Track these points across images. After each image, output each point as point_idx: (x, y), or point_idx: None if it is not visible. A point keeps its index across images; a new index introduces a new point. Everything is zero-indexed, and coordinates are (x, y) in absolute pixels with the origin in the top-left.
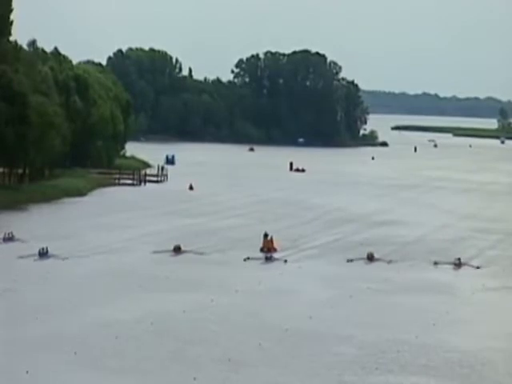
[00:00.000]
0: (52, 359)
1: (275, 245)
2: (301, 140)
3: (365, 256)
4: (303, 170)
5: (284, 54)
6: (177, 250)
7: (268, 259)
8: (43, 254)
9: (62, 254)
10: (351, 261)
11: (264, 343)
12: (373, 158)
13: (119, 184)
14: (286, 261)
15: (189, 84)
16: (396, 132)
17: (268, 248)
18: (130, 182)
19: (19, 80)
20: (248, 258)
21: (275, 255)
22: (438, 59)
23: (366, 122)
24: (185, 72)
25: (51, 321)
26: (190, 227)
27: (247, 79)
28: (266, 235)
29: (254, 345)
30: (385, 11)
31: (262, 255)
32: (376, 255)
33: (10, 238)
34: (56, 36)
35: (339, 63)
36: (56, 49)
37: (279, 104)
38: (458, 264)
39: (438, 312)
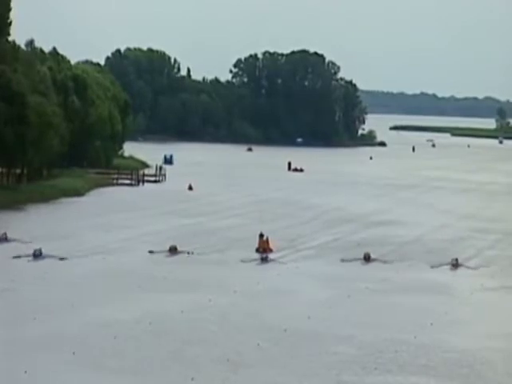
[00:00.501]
0: (51, 359)
1: (271, 245)
2: (299, 140)
3: (361, 256)
4: (301, 170)
5: (282, 54)
6: (173, 250)
7: (263, 260)
8: (37, 255)
9: (57, 255)
10: (347, 261)
11: (263, 343)
12: (371, 158)
13: (117, 184)
14: (283, 263)
15: (187, 84)
16: (394, 132)
17: (264, 248)
18: (128, 182)
19: (18, 80)
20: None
21: (271, 256)
22: (436, 59)
23: (364, 122)
24: (183, 72)
25: (50, 321)
26: (188, 227)
27: (245, 79)
28: (261, 235)
29: (252, 345)
30: (384, 11)
31: (257, 256)
32: (373, 255)
33: (4, 239)
34: (54, 36)
35: (337, 63)
36: (54, 49)
37: (277, 104)
38: (455, 264)
39: (436, 312)
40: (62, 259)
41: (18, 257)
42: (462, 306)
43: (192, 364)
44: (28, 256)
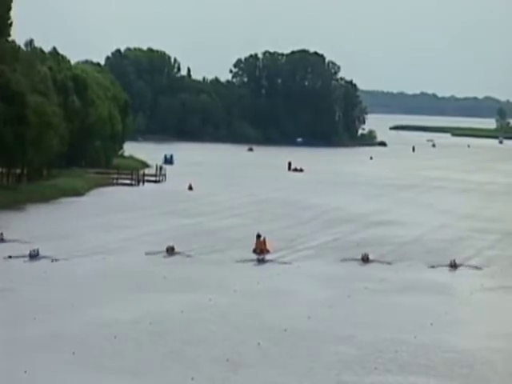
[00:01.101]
0: (50, 359)
1: (268, 246)
2: (299, 140)
3: (359, 257)
4: (301, 170)
5: (282, 54)
6: (170, 251)
7: (260, 261)
8: (34, 255)
9: (54, 256)
10: (346, 261)
11: (263, 343)
12: (371, 158)
13: (117, 184)
14: (281, 263)
15: (187, 84)
16: (394, 132)
17: (261, 249)
18: (128, 181)
19: (17, 80)
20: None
21: (268, 256)
22: (436, 59)
23: (364, 122)
24: (183, 72)
25: (50, 321)
26: (188, 227)
27: (245, 79)
28: (258, 236)
29: (252, 345)
30: (384, 11)
31: (254, 257)
32: (371, 256)
33: (0, 240)
34: (54, 36)
35: (338, 63)
36: (54, 49)
37: (277, 104)
38: (454, 265)
39: (436, 312)
40: (55, 260)
41: (15, 257)
42: (462, 306)
43: (192, 364)
44: (25, 256)
